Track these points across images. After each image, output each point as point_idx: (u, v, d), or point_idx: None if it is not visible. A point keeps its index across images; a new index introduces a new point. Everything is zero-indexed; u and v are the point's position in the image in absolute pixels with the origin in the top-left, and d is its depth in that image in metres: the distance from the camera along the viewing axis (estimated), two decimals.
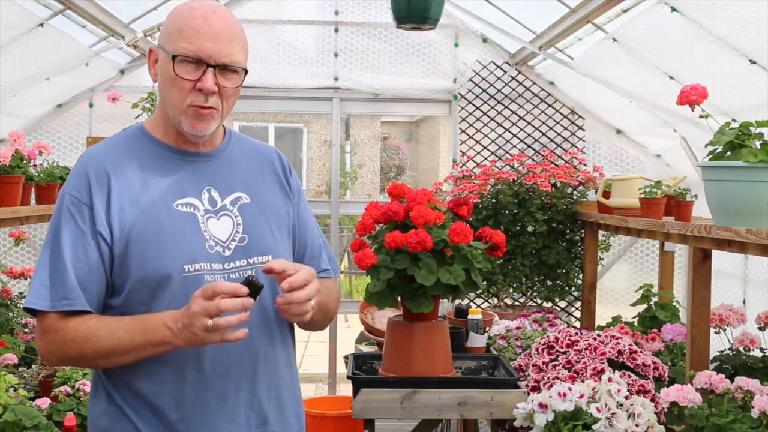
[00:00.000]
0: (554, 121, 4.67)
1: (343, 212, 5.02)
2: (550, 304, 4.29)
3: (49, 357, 1.63)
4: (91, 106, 4.56)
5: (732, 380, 2.43)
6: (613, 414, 2.20)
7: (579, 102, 4.65)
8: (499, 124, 4.68)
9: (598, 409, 2.21)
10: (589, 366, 2.56)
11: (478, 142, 4.69)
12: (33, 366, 3.34)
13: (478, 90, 4.69)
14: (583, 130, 4.67)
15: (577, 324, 4.23)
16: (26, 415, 2.45)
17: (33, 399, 2.74)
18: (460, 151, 4.69)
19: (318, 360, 6.63)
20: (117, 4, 3.83)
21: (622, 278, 4.73)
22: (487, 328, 3.38)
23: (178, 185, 1.67)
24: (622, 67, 3.82)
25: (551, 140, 4.66)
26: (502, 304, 4.31)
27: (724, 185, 2.20)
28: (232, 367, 1.65)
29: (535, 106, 4.69)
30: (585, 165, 4.40)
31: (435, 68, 4.75)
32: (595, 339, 2.71)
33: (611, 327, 3.47)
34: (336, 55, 4.70)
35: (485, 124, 4.69)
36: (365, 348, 3.74)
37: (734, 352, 2.98)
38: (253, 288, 1.51)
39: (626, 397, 2.29)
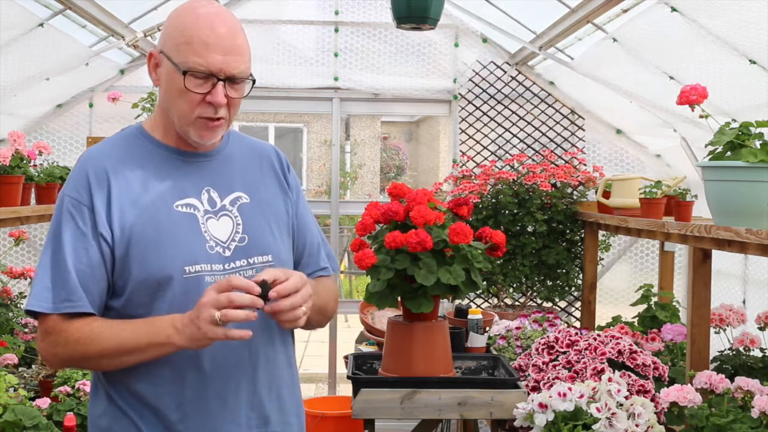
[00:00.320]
0: (554, 121, 4.67)
1: (343, 212, 5.02)
2: (550, 304, 4.29)
3: (52, 359, 1.62)
4: (91, 106, 4.56)
5: (732, 380, 2.43)
6: (613, 414, 2.20)
7: (579, 102, 4.65)
8: (499, 124, 4.68)
9: (598, 409, 2.21)
10: (589, 366, 2.56)
11: (478, 142, 4.69)
12: (33, 366, 3.34)
13: (478, 90, 4.69)
14: (583, 130, 4.67)
15: (577, 324, 4.23)
16: (26, 415, 2.45)
17: (33, 399, 2.74)
18: (460, 151, 4.69)
19: (318, 360, 6.63)
20: (117, 4, 3.83)
21: (622, 278, 4.72)
22: (487, 328, 3.38)
23: (178, 186, 1.66)
24: (622, 67, 3.82)
25: (551, 140, 4.66)
26: (502, 304, 4.31)
27: (724, 185, 2.20)
28: (232, 367, 1.64)
29: (535, 106, 4.69)
30: (585, 165, 4.40)
31: (435, 68, 4.75)
32: (595, 339, 2.71)
33: (611, 327, 3.47)
34: (336, 55, 4.70)
35: (485, 124, 4.69)
36: (365, 348, 3.74)
37: (734, 352, 2.98)
38: (266, 291, 1.51)
39: (626, 397, 2.29)
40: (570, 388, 2.26)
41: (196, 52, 1.58)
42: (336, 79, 4.71)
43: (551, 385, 2.43)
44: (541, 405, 2.26)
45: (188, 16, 1.61)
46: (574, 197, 4.11)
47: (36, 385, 3.11)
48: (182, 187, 1.67)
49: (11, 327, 3.39)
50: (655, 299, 3.54)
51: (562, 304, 4.48)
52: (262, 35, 4.64)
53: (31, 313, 1.60)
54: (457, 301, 3.71)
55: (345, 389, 4.89)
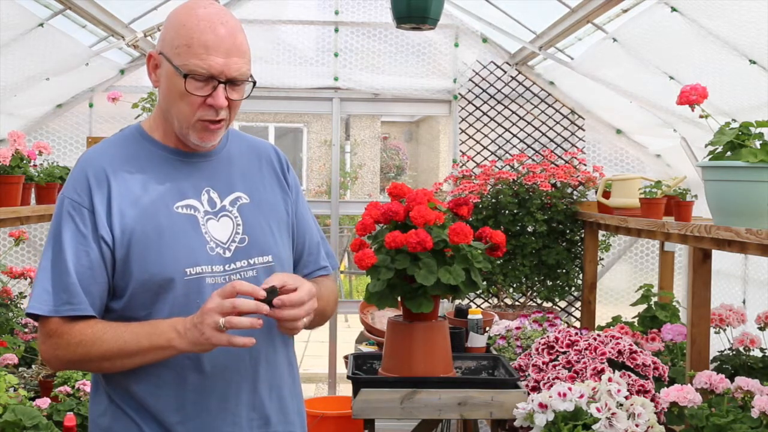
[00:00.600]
0: (554, 121, 4.67)
1: (343, 212, 5.02)
2: (550, 304, 4.29)
3: (54, 361, 1.62)
4: (91, 106, 4.56)
5: (732, 380, 2.43)
6: (613, 414, 2.20)
7: (579, 102, 4.65)
8: (499, 124, 4.68)
9: (598, 409, 2.21)
10: (589, 366, 2.56)
11: (478, 142, 4.69)
12: (33, 366, 3.34)
13: (478, 90, 4.69)
14: (583, 130, 4.67)
15: (577, 324, 4.23)
16: (26, 415, 2.45)
17: (33, 399, 2.74)
18: (460, 151, 4.69)
19: (318, 360, 6.63)
20: (117, 4, 3.83)
21: (622, 278, 4.72)
22: (487, 328, 3.38)
23: (178, 187, 1.66)
24: (622, 67, 3.82)
25: (551, 140, 4.66)
26: (502, 304, 4.31)
27: (724, 185, 2.20)
28: (232, 368, 1.64)
29: (535, 106, 4.69)
30: (585, 165, 4.40)
31: (435, 68, 4.75)
32: (595, 339, 2.71)
33: (611, 327, 3.47)
34: (336, 55, 4.70)
35: (485, 124, 4.69)
36: (365, 348, 3.74)
37: (734, 352, 2.98)
38: (271, 299, 1.51)
39: (626, 397, 2.29)
40: (570, 388, 2.26)
41: (196, 54, 1.56)
42: (336, 79, 4.71)
43: (551, 385, 2.43)
44: (541, 405, 2.26)
45: (188, 17, 1.59)
46: (574, 197, 4.11)
47: (36, 385, 3.11)
48: (182, 188, 1.66)
49: (11, 327, 3.39)
50: (655, 299, 3.54)
51: (562, 304, 4.48)
52: (262, 35, 4.64)
53: (32, 316, 1.59)
54: (457, 301, 3.72)
55: (345, 389, 4.89)
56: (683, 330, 3.18)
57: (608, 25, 3.68)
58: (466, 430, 3.38)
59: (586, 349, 2.67)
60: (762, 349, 3.00)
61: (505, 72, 4.68)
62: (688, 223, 2.61)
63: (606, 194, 3.67)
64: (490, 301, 4.52)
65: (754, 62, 3.06)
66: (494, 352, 3.13)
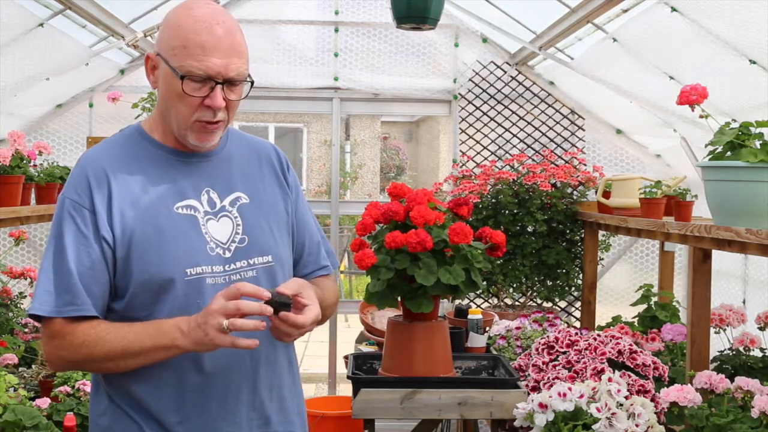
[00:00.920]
0: (554, 121, 4.67)
1: (343, 212, 5.02)
2: (550, 304, 4.29)
3: (57, 361, 1.62)
4: (91, 106, 4.56)
5: (732, 380, 2.43)
6: (613, 414, 2.20)
7: (579, 102, 4.65)
8: (499, 124, 4.68)
9: (598, 409, 2.21)
10: (589, 366, 2.56)
11: (478, 142, 4.69)
12: (33, 366, 3.34)
13: (478, 90, 4.69)
14: (583, 130, 4.67)
15: (577, 324, 4.23)
16: (26, 415, 2.45)
17: (33, 399, 2.73)
18: (460, 151, 4.69)
19: (318, 360, 6.63)
20: (117, 4, 3.83)
21: (622, 278, 4.72)
22: (487, 328, 3.38)
23: (178, 187, 1.66)
24: (622, 67, 3.82)
25: (551, 140, 4.66)
26: (502, 304, 4.31)
27: (724, 185, 2.20)
28: (232, 368, 1.64)
29: (535, 106, 4.69)
30: (585, 165, 4.40)
31: (435, 68, 4.75)
32: (595, 339, 2.71)
33: (611, 327, 3.47)
34: (336, 55, 4.70)
35: (485, 124, 4.69)
36: (365, 348, 3.74)
37: (734, 352, 2.98)
38: (277, 302, 1.51)
39: (626, 397, 2.29)
40: (570, 388, 2.26)
41: (193, 55, 1.56)
42: (336, 79, 4.71)
43: (551, 385, 2.43)
44: (541, 405, 2.26)
45: (184, 17, 1.59)
46: (574, 197, 4.11)
47: (36, 385, 3.11)
48: (182, 189, 1.66)
49: (11, 327, 3.39)
50: (655, 299, 3.54)
51: (562, 304, 4.48)
52: (262, 35, 4.64)
53: (35, 317, 1.59)
54: (457, 301, 3.72)
55: (345, 389, 4.89)
56: (683, 330, 3.18)
57: (608, 25, 3.68)
58: (466, 430, 3.38)
59: (586, 349, 2.67)
60: (762, 349, 3.00)
61: (505, 72, 4.68)
62: (688, 223, 2.61)
63: (606, 194, 3.67)
64: (490, 301, 4.52)
65: (754, 62, 3.06)
66: (494, 352, 3.13)
